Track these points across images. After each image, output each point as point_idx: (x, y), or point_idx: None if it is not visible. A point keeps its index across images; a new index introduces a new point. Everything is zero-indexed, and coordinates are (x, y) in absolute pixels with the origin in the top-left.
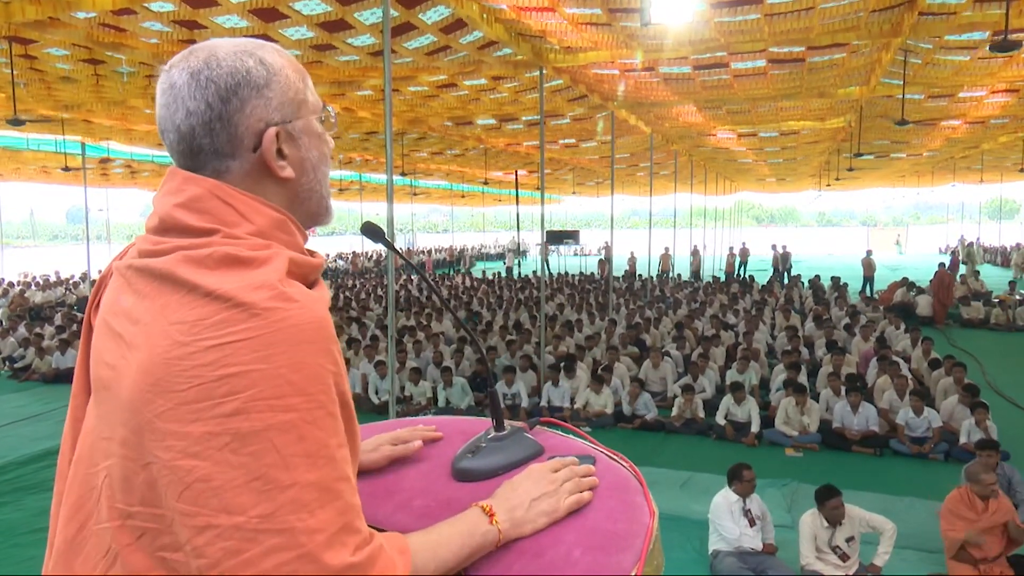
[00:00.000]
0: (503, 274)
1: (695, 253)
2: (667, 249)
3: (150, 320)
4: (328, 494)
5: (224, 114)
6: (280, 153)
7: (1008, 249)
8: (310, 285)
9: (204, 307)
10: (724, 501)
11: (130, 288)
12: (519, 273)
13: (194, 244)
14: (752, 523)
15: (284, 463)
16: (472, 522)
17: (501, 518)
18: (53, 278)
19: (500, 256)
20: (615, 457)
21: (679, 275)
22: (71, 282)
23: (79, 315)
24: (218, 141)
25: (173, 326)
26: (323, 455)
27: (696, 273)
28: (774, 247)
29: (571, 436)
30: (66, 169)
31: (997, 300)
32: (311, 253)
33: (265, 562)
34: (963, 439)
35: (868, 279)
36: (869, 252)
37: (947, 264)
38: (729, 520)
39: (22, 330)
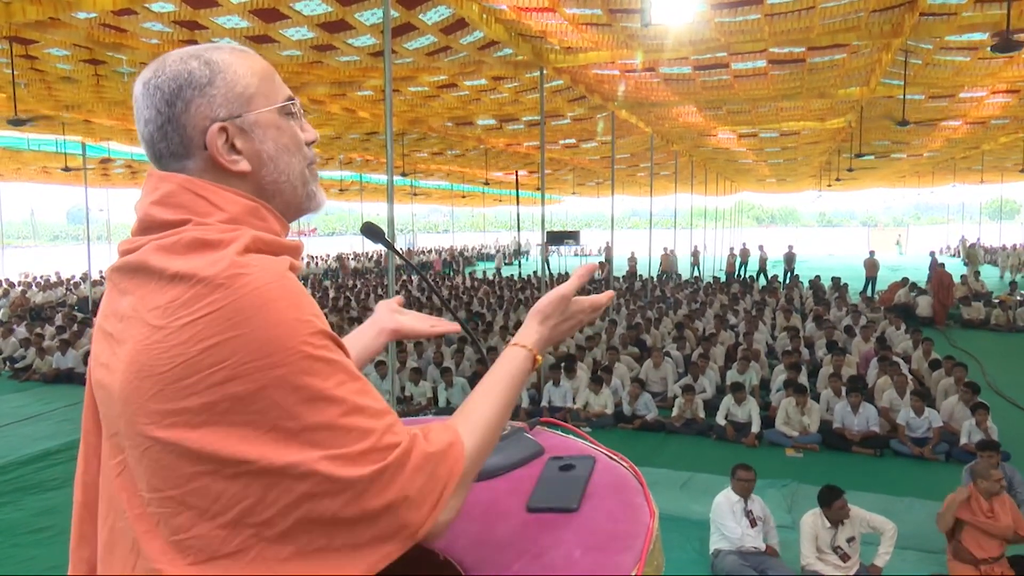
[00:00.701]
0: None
1: (695, 253)
2: (666, 249)
3: (132, 313)
4: (338, 431)
5: (172, 117)
6: (233, 148)
7: (1009, 249)
8: None
9: (172, 289)
10: (726, 501)
11: (116, 289)
12: (519, 274)
13: (165, 235)
14: (753, 524)
15: (288, 414)
16: (524, 370)
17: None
18: (54, 278)
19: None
20: (615, 457)
21: (679, 275)
22: (72, 282)
23: (80, 315)
24: (172, 144)
25: (150, 312)
26: (322, 398)
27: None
28: (761, 248)
29: (571, 436)
30: (66, 169)
31: (998, 301)
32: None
33: (299, 486)
34: (964, 440)
35: (871, 279)
36: (872, 252)
37: (931, 263)
38: (731, 520)
39: (23, 330)
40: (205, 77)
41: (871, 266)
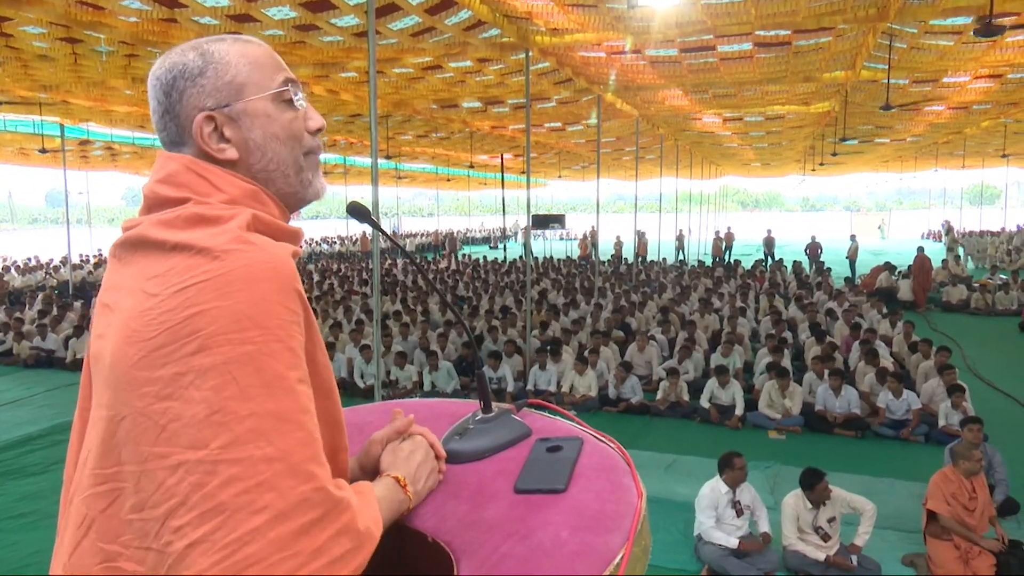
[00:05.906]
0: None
1: (679, 237)
2: (643, 234)
3: (131, 283)
4: (288, 424)
5: (169, 107)
6: (222, 136)
7: (976, 235)
8: None
9: (172, 258)
10: (711, 492)
11: (118, 263)
12: (504, 257)
13: (166, 212)
14: (740, 513)
15: (243, 394)
16: (393, 490)
17: (411, 490)
18: (33, 262)
19: (485, 240)
20: (603, 439)
21: (664, 259)
22: (51, 266)
23: (60, 299)
24: (171, 132)
25: (149, 281)
26: (281, 386)
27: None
28: (728, 229)
29: (558, 418)
30: (43, 151)
31: (978, 285)
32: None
33: (223, 493)
34: (942, 422)
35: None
36: (853, 237)
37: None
38: (705, 514)
39: (1, 314)
40: (197, 68)
41: (851, 251)
